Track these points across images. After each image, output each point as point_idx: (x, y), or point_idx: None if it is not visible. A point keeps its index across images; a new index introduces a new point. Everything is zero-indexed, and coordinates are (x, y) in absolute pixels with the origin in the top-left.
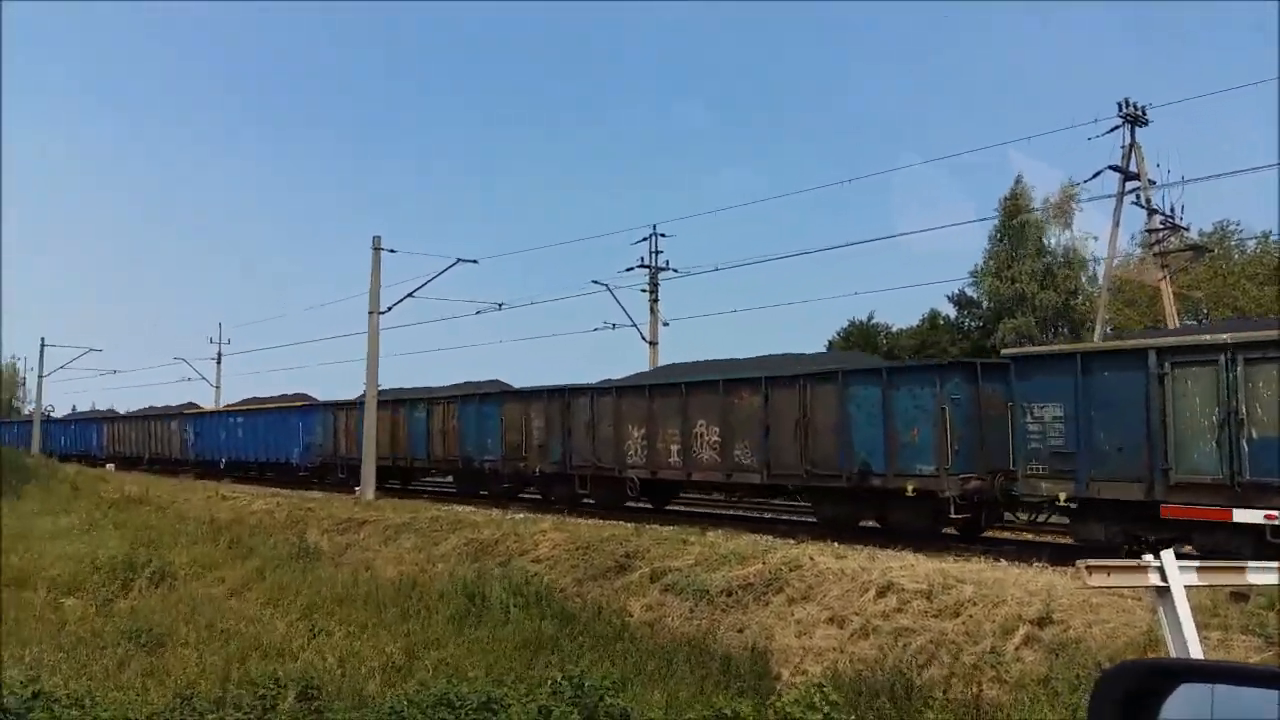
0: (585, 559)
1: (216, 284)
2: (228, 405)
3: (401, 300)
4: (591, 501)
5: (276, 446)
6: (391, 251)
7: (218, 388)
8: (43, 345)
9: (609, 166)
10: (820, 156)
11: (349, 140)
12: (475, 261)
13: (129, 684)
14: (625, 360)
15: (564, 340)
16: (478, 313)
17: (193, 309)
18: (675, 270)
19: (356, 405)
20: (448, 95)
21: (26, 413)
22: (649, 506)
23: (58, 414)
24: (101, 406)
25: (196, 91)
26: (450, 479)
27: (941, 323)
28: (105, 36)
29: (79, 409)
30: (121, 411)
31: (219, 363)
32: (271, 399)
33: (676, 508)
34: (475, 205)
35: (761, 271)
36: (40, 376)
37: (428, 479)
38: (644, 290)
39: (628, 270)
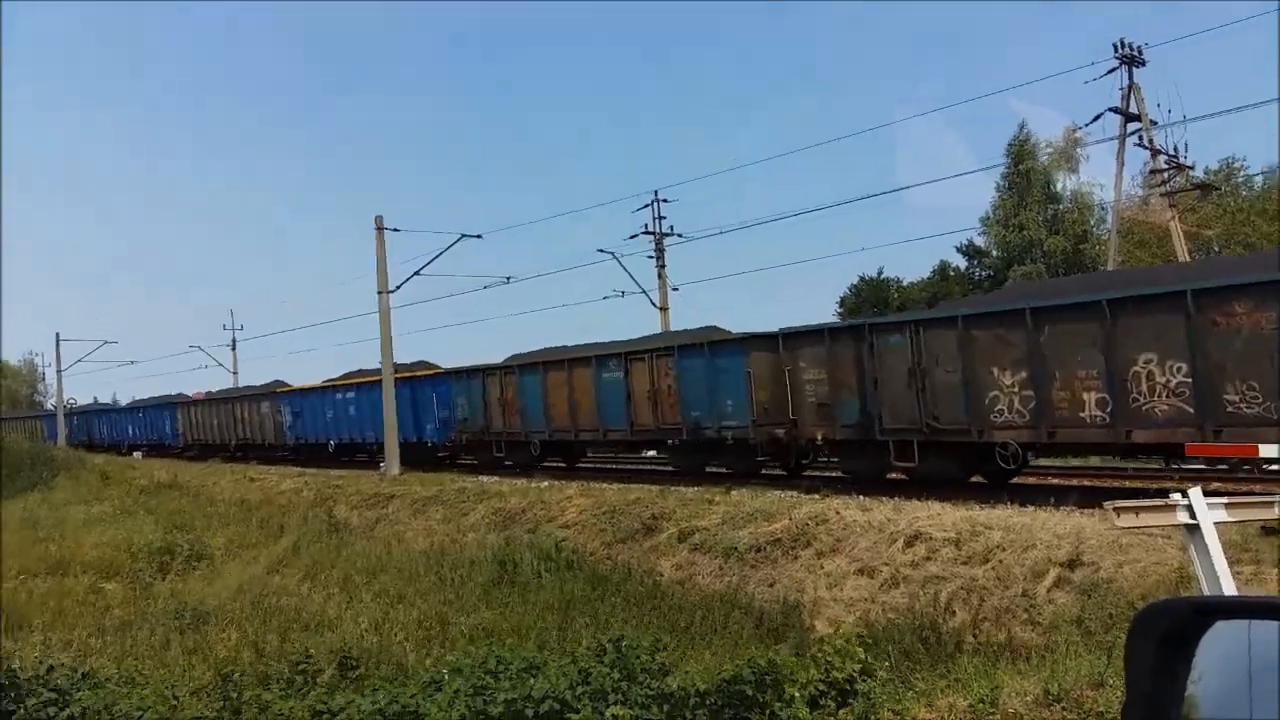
0: (612, 522)
1: (226, 271)
2: (331, 379)
3: (409, 279)
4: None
5: (403, 423)
6: (395, 230)
7: (235, 373)
8: (58, 340)
9: (611, 135)
10: (822, 113)
11: (349, 123)
12: (479, 236)
13: (173, 662)
14: (636, 329)
15: (574, 311)
16: (485, 287)
17: (204, 297)
18: (680, 235)
19: (515, 370)
20: (444, 72)
21: (49, 406)
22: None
23: (80, 405)
24: (123, 398)
25: (197, 78)
26: (649, 454)
27: (952, 274)
28: (101, 29)
29: (100, 400)
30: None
31: (234, 349)
32: (371, 370)
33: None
34: (478, 181)
35: (768, 232)
36: (59, 371)
37: (615, 456)
38: (650, 257)
39: (632, 238)
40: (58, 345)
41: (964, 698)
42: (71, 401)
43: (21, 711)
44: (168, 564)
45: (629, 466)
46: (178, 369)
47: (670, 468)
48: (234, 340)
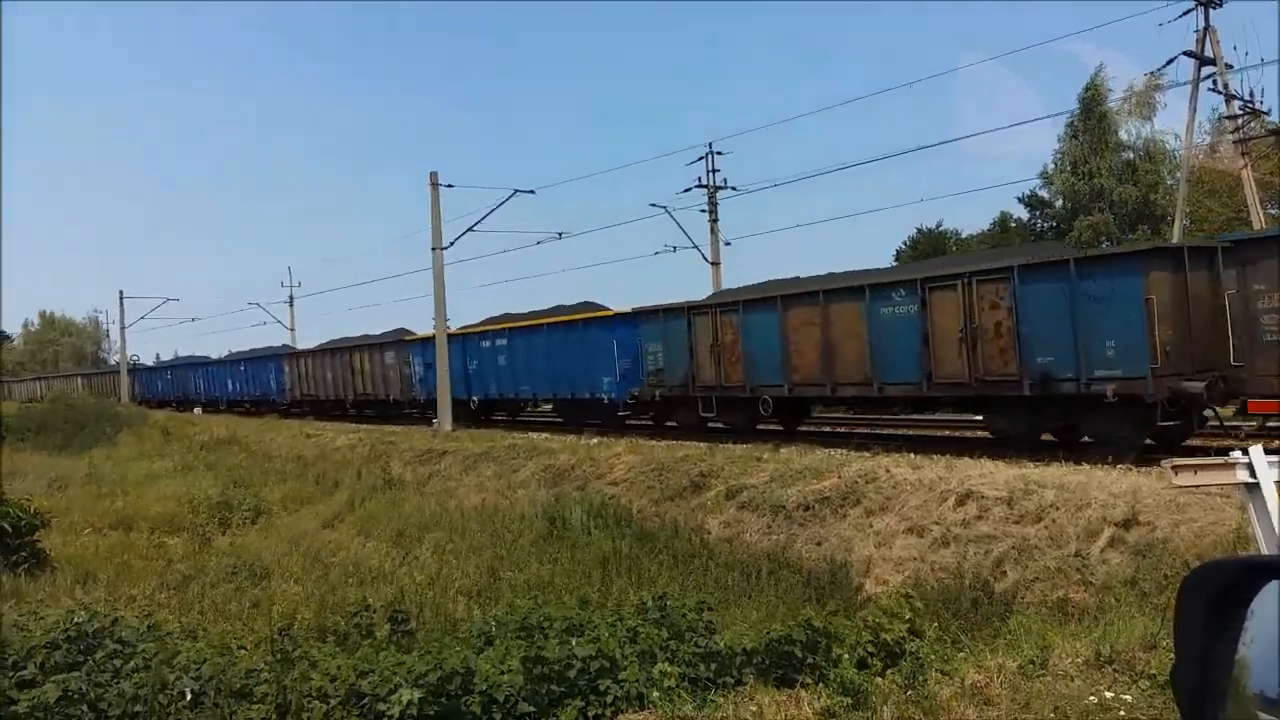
0: (660, 480)
1: (283, 228)
2: (473, 325)
3: (462, 235)
4: None
5: (570, 376)
6: (449, 186)
7: (292, 329)
8: (121, 297)
9: (665, 87)
10: (881, 62)
11: (401, 77)
12: (532, 192)
13: (233, 615)
14: (688, 283)
15: (625, 266)
16: (538, 243)
17: (262, 254)
18: (734, 189)
19: (739, 307)
20: (497, 26)
21: (113, 362)
22: None
23: (175, 358)
24: (184, 354)
25: (252, 39)
26: (943, 414)
27: (1013, 225)
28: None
29: (162, 358)
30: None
31: (291, 305)
32: (540, 313)
33: None
34: (531, 136)
35: (823, 184)
36: (123, 328)
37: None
38: (703, 211)
39: (685, 191)
40: (121, 302)
41: (1014, 659)
42: (135, 359)
43: (90, 663)
44: (227, 519)
45: (892, 430)
46: (236, 326)
47: (985, 432)
48: (291, 297)
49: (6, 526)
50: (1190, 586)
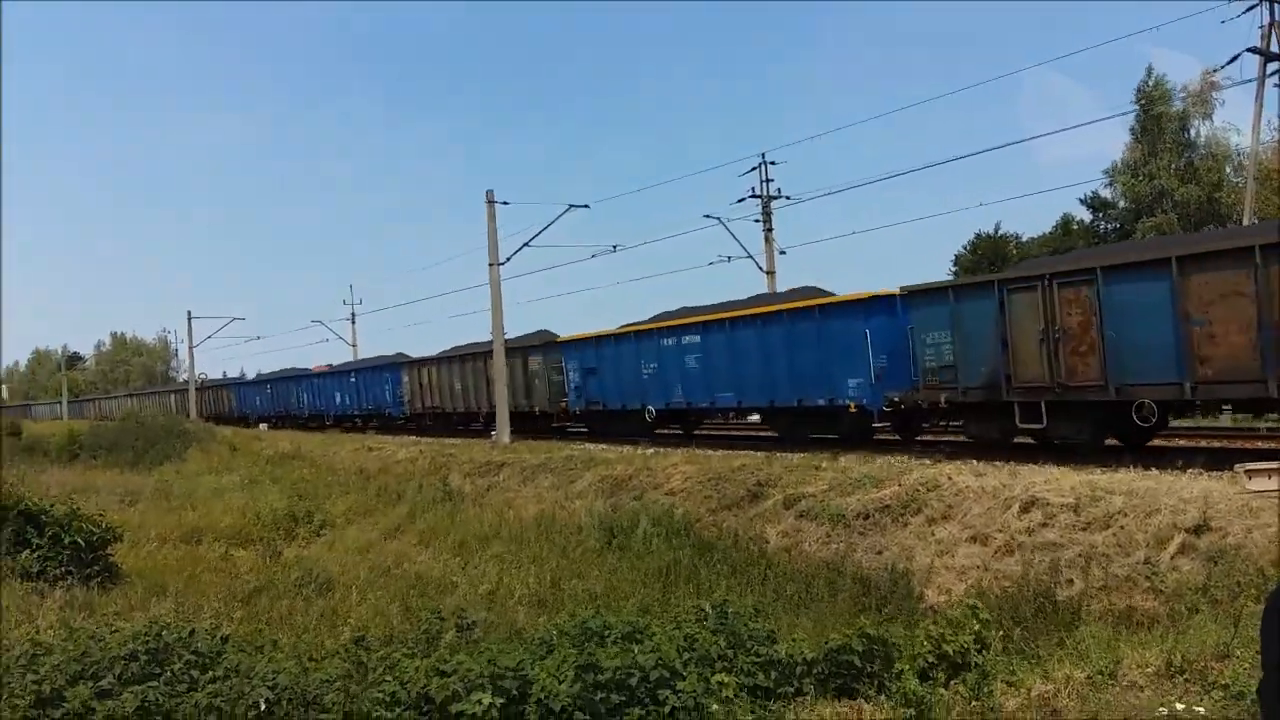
0: (717, 489)
1: (346, 248)
2: (641, 322)
3: (519, 250)
4: None
5: (795, 379)
6: (505, 204)
7: (354, 346)
8: (190, 317)
9: (719, 100)
10: (941, 67)
11: (457, 95)
12: (587, 206)
13: (302, 626)
14: (743, 293)
15: (680, 277)
16: (593, 256)
17: (324, 274)
18: (789, 198)
19: (1094, 277)
20: (547, 44)
21: (181, 380)
22: None
23: (274, 372)
24: (249, 373)
25: (314, 61)
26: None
27: (1075, 228)
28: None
29: (228, 375)
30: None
31: (353, 322)
32: (735, 304)
33: None
34: (585, 151)
35: (880, 191)
36: (191, 347)
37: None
38: (757, 220)
39: (739, 201)
40: (190, 322)
41: (1082, 669)
42: (203, 377)
43: (167, 674)
44: (293, 530)
45: None
46: (300, 344)
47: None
48: (353, 314)
49: (81, 541)
50: (1276, 603)
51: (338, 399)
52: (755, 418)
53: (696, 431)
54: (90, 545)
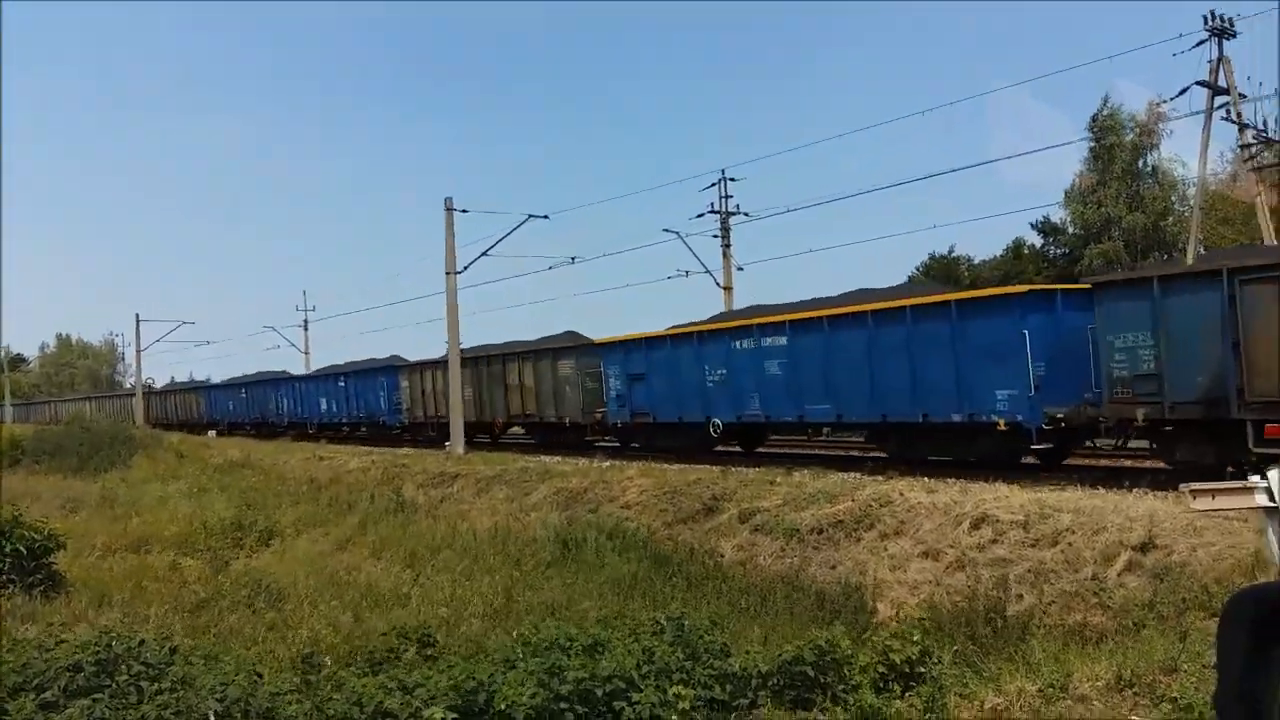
0: (673, 503)
1: (298, 253)
2: (704, 321)
3: (476, 259)
4: None
5: (919, 389)
6: (463, 211)
7: (306, 354)
8: (138, 320)
9: (676, 113)
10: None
11: (414, 105)
12: (546, 217)
13: (254, 638)
14: (700, 308)
15: (637, 291)
16: (550, 268)
17: (276, 279)
18: (747, 214)
19: None
20: (505, 54)
21: (128, 385)
22: None
23: (253, 374)
24: (199, 377)
25: (267, 65)
26: None
27: (1026, 252)
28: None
29: (176, 380)
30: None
31: (306, 329)
32: (828, 300)
33: None
34: (544, 162)
35: (838, 210)
36: (138, 351)
37: None
38: (715, 236)
39: (698, 217)
40: (138, 325)
41: (1033, 682)
42: (150, 382)
43: (113, 685)
44: (241, 540)
45: None
46: (251, 350)
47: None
48: (306, 321)
49: (22, 549)
50: (1230, 613)
51: (323, 405)
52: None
53: (761, 449)
54: (33, 553)
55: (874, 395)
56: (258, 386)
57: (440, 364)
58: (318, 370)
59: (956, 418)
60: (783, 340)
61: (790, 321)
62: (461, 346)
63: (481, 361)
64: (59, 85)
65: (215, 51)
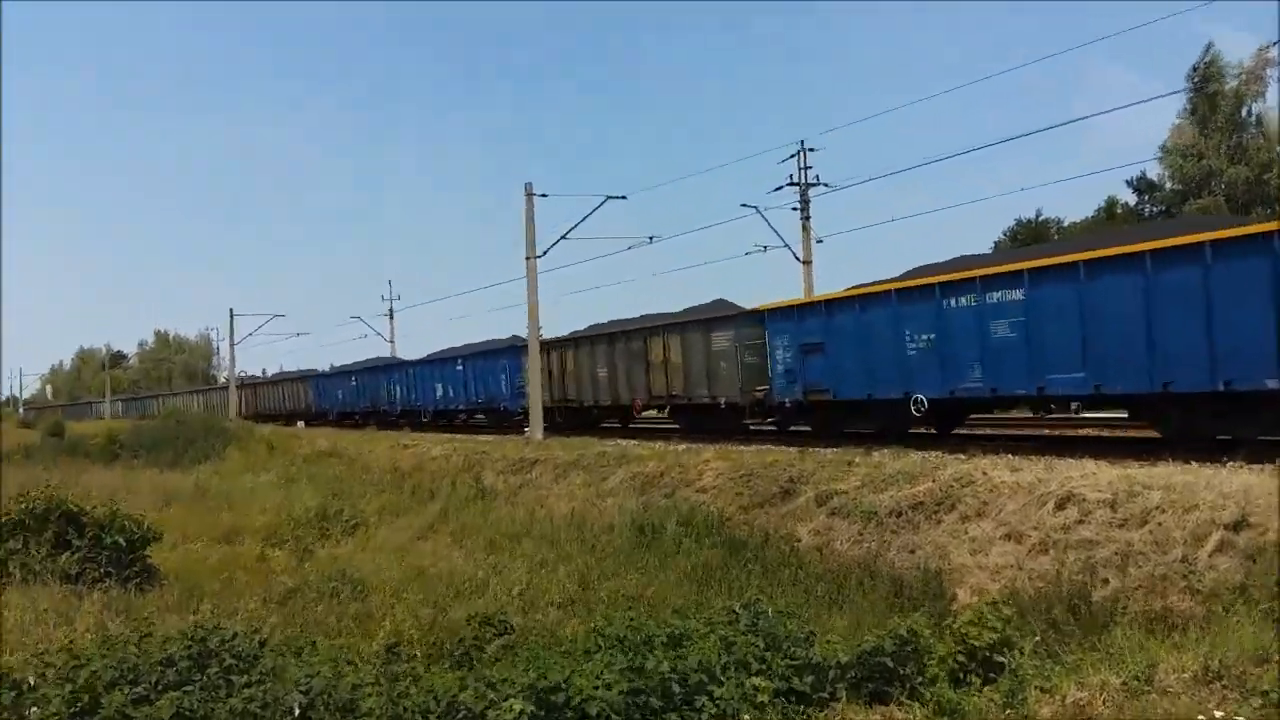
0: (749, 486)
1: (383, 243)
2: (892, 280)
3: (556, 243)
4: None
5: (1239, 352)
6: (543, 196)
7: (392, 342)
8: (232, 315)
9: (754, 87)
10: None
11: (497, 92)
12: (624, 197)
13: (339, 629)
14: (778, 284)
15: (716, 268)
16: (629, 248)
17: (363, 269)
18: (827, 185)
19: None
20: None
21: (222, 379)
22: None
23: (363, 361)
24: (289, 368)
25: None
26: None
27: (1119, 211)
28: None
29: (269, 372)
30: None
31: (391, 318)
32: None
33: None
34: (622, 142)
35: (918, 177)
36: (232, 345)
37: None
38: (794, 209)
39: (777, 190)
40: (231, 320)
41: (1117, 674)
42: (243, 374)
43: (204, 679)
44: (326, 530)
45: None
46: (339, 340)
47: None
48: (391, 310)
49: (121, 541)
50: None
51: (438, 391)
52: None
53: (959, 430)
54: (130, 546)
55: (1152, 359)
56: (369, 374)
57: (571, 342)
58: (432, 354)
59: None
60: (1017, 294)
61: (1030, 271)
62: (611, 320)
63: (618, 338)
64: (147, 84)
65: (296, 49)
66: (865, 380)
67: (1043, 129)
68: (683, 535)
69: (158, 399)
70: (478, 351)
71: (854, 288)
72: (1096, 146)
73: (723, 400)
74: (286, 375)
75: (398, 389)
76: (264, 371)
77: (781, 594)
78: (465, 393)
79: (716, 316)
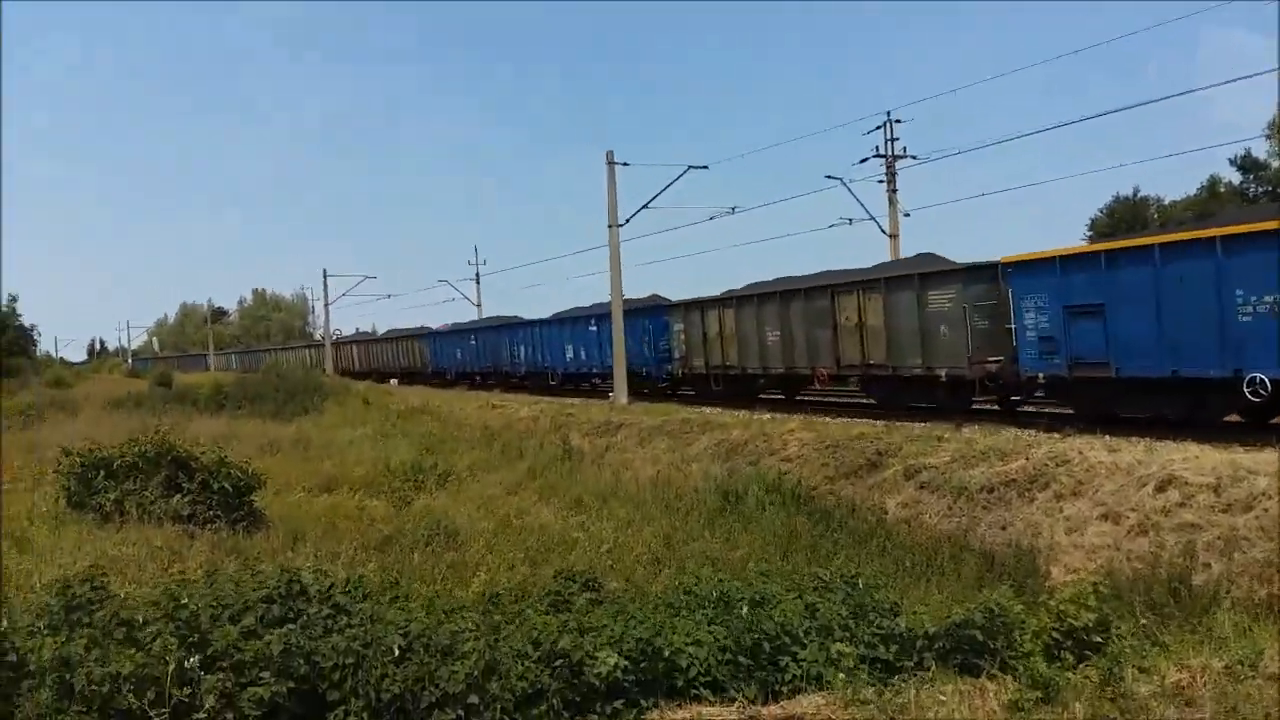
0: (835, 457)
1: (472, 208)
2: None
3: (638, 212)
4: None
5: None
6: (624, 165)
7: (479, 305)
8: (325, 275)
9: (839, 55)
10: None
11: (579, 61)
12: (705, 167)
13: (434, 577)
14: (864, 257)
15: (799, 240)
16: (711, 218)
17: (450, 233)
18: (914, 157)
19: None
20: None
21: (318, 336)
22: None
23: (491, 318)
24: (381, 329)
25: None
26: None
27: (1222, 190)
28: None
29: (361, 331)
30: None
31: (478, 282)
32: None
33: None
34: (705, 112)
35: (1011, 151)
36: (326, 304)
37: None
38: (880, 181)
39: (862, 162)
40: (325, 280)
41: (1220, 658)
42: (337, 332)
43: (305, 618)
44: (421, 482)
45: None
46: (426, 302)
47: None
48: (478, 274)
49: (228, 486)
50: None
51: (568, 353)
52: None
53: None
54: (237, 491)
55: None
56: (490, 332)
57: (732, 300)
58: (561, 312)
59: None
60: None
61: None
62: (773, 278)
63: (794, 296)
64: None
65: (389, 16)
66: (1166, 353)
67: (1143, 103)
68: (767, 502)
69: (269, 352)
70: (637, 309)
71: (1152, 234)
72: (1206, 121)
73: (942, 372)
74: (399, 333)
75: (522, 349)
76: (356, 330)
77: (870, 563)
78: (600, 355)
79: (934, 271)
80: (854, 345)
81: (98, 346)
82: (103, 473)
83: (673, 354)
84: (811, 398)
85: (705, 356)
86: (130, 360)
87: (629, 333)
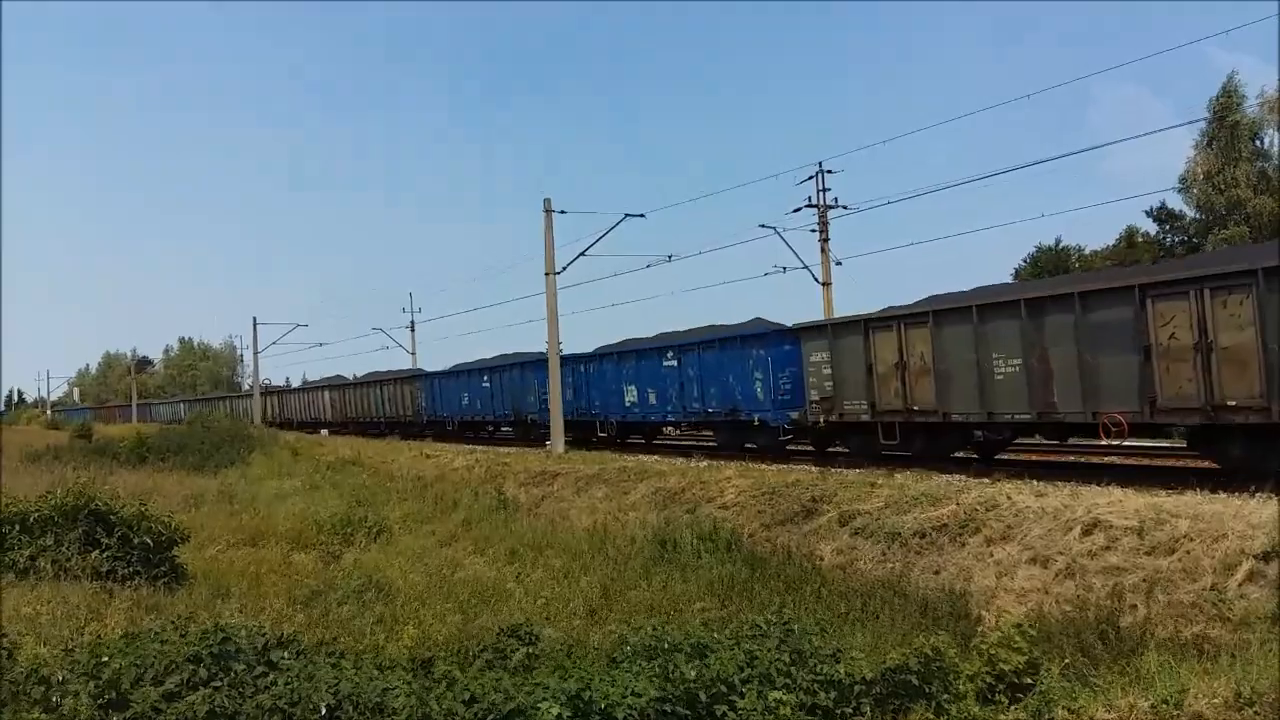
0: (771, 504)
1: (404, 256)
2: None
3: (574, 260)
4: None
5: None
6: (562, 213)
7: (414, 354)
8: (255, 324)
9: (772, 106)
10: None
11: (511, 109)
12: (642, 215)
13: (364, 631)
14: (796, 305)
15: (734, 288)
16: (648, 266)
17: (382, 282)
18: (845, 207)
19: None
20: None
21: (246, 386)
22: None
23: (497, 357)
24: (313, 377)
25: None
26: None
27: (1140, 240)
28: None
29: (292, 382)
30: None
31: (413, 330)
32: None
33: None
34: (639, 160)
35: (938, 201)
36: (256, 353)
37: None
38: (813, 230)
39: (795, 211)
40: (255, 328)
41: (1146, 698)
42: (266, 382)
43: (231, 676)
44: (351, 536)
45: None
46: (359, 351)
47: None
48: (413, 322)
49: (149, 541)
50: None
51: (627, 396)
52: None
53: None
54: (158, 545)
55: None
56: (511, 371)
57: (927, 317)
58: (608, 346)
59: None
60: None
61: None
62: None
63: (1053, 305)
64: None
65: (316, 56)
66: None
67: (1063, 155)
68: (703, 550)
69: (224, 400)
70: (702, 340)
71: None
72: (1108, 173)
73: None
74: (381, 375)
75: (564, 392)
76: (287, 381)
77: (805, 610)
78: (681, 398)
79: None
80: (1185, 376)
81: (15, 398)
82: (17, 527)
83: (805, 395)
84: (1101, 457)
85: (872, 397)
86: (50, 411)
87: (726, 367)
